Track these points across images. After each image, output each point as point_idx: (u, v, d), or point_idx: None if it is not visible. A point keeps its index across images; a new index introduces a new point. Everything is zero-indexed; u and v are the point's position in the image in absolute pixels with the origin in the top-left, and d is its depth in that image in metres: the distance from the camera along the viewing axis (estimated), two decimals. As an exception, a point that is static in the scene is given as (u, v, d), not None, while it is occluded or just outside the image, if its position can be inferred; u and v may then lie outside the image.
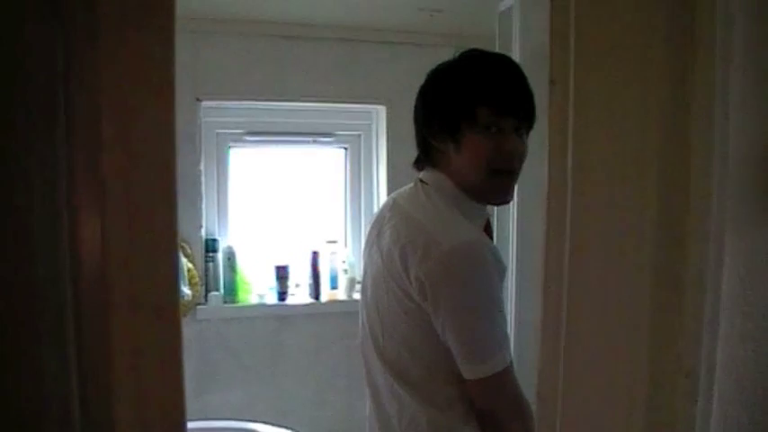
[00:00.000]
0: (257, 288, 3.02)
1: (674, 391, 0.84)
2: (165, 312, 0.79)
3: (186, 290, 2.75)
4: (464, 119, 1.42)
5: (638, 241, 0.85)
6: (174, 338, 0.79)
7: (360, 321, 1.66)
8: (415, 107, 1.54)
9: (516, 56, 1.91)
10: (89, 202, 0.74)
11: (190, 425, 2.00)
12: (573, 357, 0.92)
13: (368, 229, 1.72)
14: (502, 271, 1.44)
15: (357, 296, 3.01)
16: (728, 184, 0.81)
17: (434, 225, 1.42)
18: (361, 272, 1.71)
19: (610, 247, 0.86)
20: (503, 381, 1.43)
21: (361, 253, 1.76)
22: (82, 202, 0.74)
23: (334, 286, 3.08)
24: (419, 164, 1.56)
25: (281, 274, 3.00)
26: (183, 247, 2.83)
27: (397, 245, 1.42)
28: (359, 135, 3.19)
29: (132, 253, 0.75)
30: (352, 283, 3.05)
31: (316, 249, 3.03)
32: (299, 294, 3.11)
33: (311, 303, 3.04)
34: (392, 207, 1.61)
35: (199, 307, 2.89)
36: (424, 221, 1.43)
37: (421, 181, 1.54)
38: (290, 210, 3.17)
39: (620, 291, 0.89)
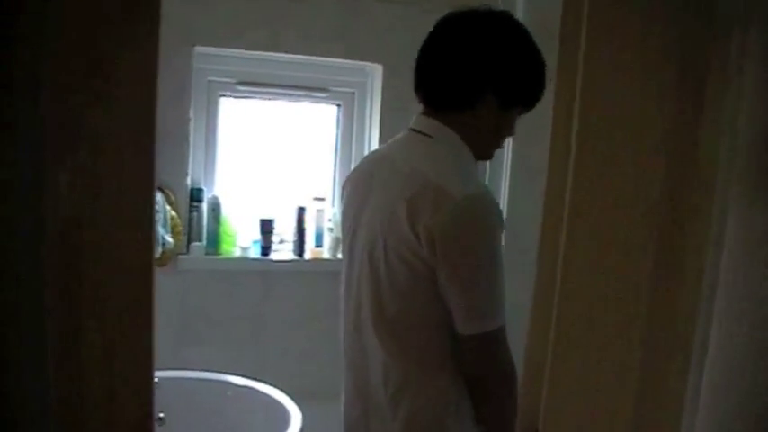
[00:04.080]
0: (241, 241, 2.98)
1: (668, 364, 0.83)
2: (137, 262, 0.77)
3: (168, 238, 2.71)
4: (521, 106, 1.54)
5: (640, 215, 0.83)
6: (146, 289, 0.77)
7: (343, 292, 1.64)
8: (470, 56, 1.48)
9: (519, 15, 1.87)
10: (64, 151, 0.72)
11: (164, 374, 1.98)
12: (565, 326, 0.90)
13: (345, 189, 1.68)
14: (503, 226, 1.44)
15: (341, 256, 2.99)
16: (735, 166, 0.80)
17: (443, 177, 1.41)
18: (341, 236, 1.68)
19: (610, 219, 0.83)
20: (498, 339, 1.43)
21: (340, 220, 1.72)
22: (58, 151, 0.72)
23: (318, 244, 3.04)
24: (431, 112, 1.53)
25: (266, 228, 2.96)
26: (167, 194, 2.78)
27: (403, 199, 1.40)
28: (353, 93, 3.13)
29: (107, 202, 0.74)
30: (337, 242, 3.01)
31: (302, 205, 2.99)
32: (283, 250, 3.07)
33: (295, 260, 3.01)
34: (381, 162, 1.58)
35: (180, 257, 2.85)
36: (431, 173, 1.42)
37: (420, 132, 1.51)
38: (278, 164, 3.12)
39: (619, 264, 0.87)
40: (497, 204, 1.45)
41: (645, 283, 0.87)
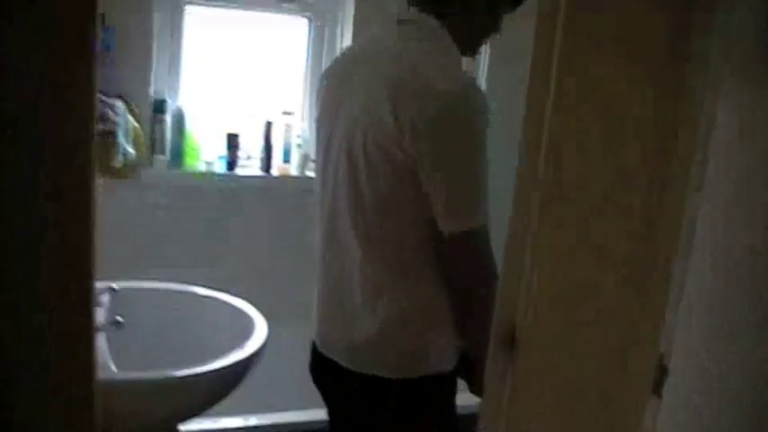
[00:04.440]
0: (206, 155, 2.89)
1: (655, 247, 0.82)
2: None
3: (130, 149, 2.61)
4: (508, 4, 1.52)
5: (630, 104, 0.81)
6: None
7: (319, 198, 1.58)
8: None
9: None
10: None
11: (125, 284, 1.92)
12: (548, 214, 0.86)
13: (320, 92, 1.62)
14: (488, 122, 1.39)
15: (309, 173, 2.92)
16: (731, 38, 0.76)
17: (430, 67, 1.36)
18: (315, 144, 1.63)
19: (595, 114, 0.81)
20: (480, 238, 1.39)
21: (314, 120, 1.66)
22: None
23: (286, 160, 2.97)
24: (416, 4, 1.47)
25: (232, 142, 2.88)
26: (128, 104, 2.68)
27: (386, 89, 1.34)
28: (324, 4, 3.01)
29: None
30: (305, 159, 2.94)
31: (270, 120, 2.90)
32: (250, 166, 2.99)
33: (262, 176, 2.94)
34: (361, 57, 1.52)
35: (143, 170, 2.76)
36: (417, 63, 1.36)
37: (405, 22, 1.46)
38: (245, 77, 3.01)
39: (608, 152, 0.84)
40: (485, 98, 1.38)
41: (636, 173, 0.85)
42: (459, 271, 1.44)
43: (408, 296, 1.46)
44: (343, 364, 1.55)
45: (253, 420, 2.35)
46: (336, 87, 1.53)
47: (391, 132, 1.33)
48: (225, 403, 1.94)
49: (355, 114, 1.41)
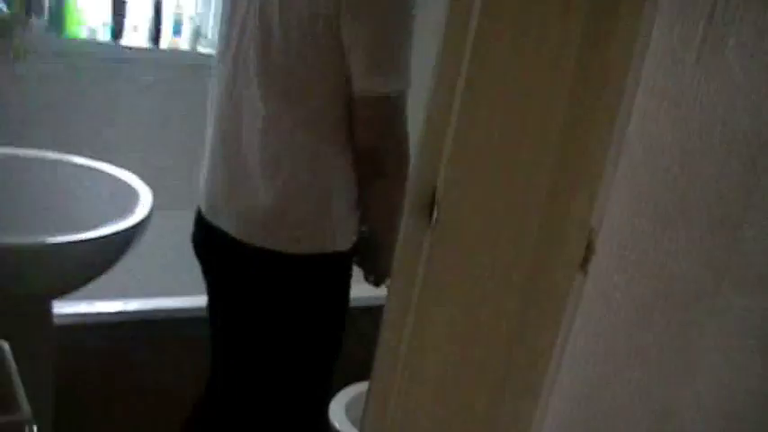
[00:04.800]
0: (89, 21, 2.67)
1: (590, 119, 0.79)
2: None
3: (2, 5, 2.38)
4: None
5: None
6: None
7: (220, 53, 1.48)
8: None
9: None
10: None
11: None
12: (475, 74, 0.80)
13: None
14: None
15: (201, 49, 2.76)
16: None
17: None
18: (213, 21, 1.51)
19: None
20: (396, 106, 1.33)
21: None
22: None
23: (176, 33, 2.78)
24: None
25: (119, 9, 2.66)
26: (1, -44, 2.42)
27: None
28: None
29: None
30: (196, 34, 2.77)
31: (160, -13, 2.70)
32: (137, 38, 2.79)
33: (150, 48, 2.75)
34: None
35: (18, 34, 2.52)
36: None
37: None
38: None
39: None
40: None
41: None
42: (368, 140, 1.37)
43: (311, 163, 1.39)
44: (233, 233, 1.48)
45: (133, 305, 2.23)
46: None
47: None
48: (104, 286, 1.85)
49: None
